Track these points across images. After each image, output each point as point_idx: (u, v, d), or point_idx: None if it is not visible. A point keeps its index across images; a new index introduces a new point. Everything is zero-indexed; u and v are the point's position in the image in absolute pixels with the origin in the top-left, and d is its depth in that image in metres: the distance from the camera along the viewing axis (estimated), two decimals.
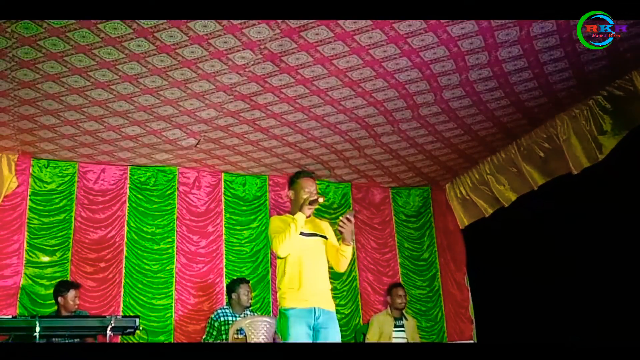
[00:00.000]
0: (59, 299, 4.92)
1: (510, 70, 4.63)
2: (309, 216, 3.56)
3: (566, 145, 5.34)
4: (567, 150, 5.32)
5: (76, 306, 4.92)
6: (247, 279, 5.72)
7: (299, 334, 3.26)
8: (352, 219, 3.40)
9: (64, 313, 4.91)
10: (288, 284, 3.40)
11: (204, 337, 5.37)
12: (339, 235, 3.49)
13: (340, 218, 3.40)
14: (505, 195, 6.18)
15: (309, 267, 3.41)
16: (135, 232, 6.04)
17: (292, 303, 3.35)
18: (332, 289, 3.61)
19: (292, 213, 3.52)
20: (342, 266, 3.54)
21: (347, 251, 3.48)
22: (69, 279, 5.59)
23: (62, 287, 4.98)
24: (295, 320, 3.30)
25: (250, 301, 5.38)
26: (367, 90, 4.83)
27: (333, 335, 3.35)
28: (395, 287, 5.73)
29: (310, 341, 3.28)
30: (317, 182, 3.67)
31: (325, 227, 3.66)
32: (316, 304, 3.35)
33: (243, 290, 5.38)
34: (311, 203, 3.43)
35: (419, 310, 6.75)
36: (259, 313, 6.02)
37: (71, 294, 4.90)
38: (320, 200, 3.46)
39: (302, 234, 3.42)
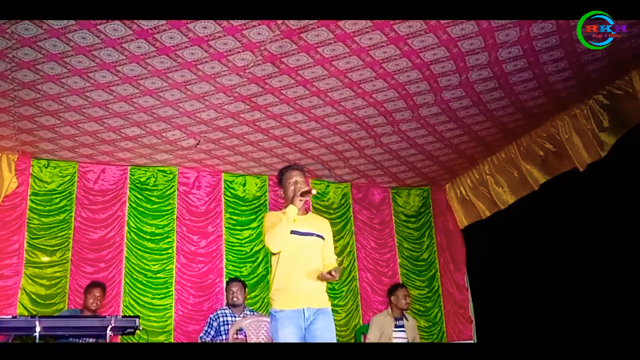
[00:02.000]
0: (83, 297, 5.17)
1: (511, 71, 4.63)
2: (305, 212, 3.48)
3: (569, 144, 5.34)
4: (571, 149, 5.33)
5: (94, 306, 5.05)
6: (240, 278, 5.74)
7: (287, 337, 3.17)
8: (337, 274, 3.22)
9: (84, 312, 5.04)
10: (277, 284, 3.30)
11: (200, 335, 5.37)
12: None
13: (324, 273, 3.23)
14: (503, 198, 6.19)
15: (301, 267, 3.28)
16: (135, 232, 6.04)
17: (280, 305, 3.26)
18: (328, 287, 3.44)
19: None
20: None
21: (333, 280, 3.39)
22: (68, 279, 5.63)
23: (86, 287, 5.22)
24: (284, 322, 3.20)
25: (234, 299, 5.37)
26: (367, 91, 4.83)
27: (321, 327, 3.23)
28: (401, 288, 5.72)
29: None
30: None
31: (326, 227, 3.53)
32: (306, 305, 3.24)
33: (227, 289, 5.48)
34: (302, 194, 3.30)
35: (418, 311, 6.75)
36: (260, 313, 6.02)
37: (91, 293, 5.08)
38: (313, 192, 3.33)
39: (296, 232, 3.30)
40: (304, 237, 3.34)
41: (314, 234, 3.39)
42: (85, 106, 4.85)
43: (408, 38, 4.11)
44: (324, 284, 3.39)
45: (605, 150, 5.07)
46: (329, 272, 3.20)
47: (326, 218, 3.75)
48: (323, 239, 3.44)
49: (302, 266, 3.29)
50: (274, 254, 3.35)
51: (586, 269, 5.10)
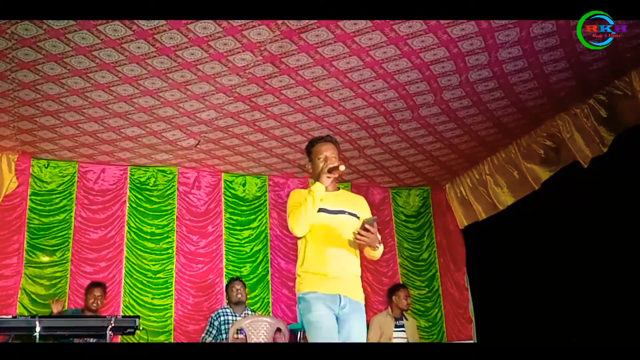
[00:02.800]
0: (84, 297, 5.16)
1: (511, 71, 4.63)
2: (337, 188, 3.06)
3: (571, 142, 5.34)
4: (572, 147, 5.32)
5: (94, 306, 5.05)
6: (241, 277, 5.77)
7: (323, 313, 2.75)
8: (373, 228, 2.79)
9: (86, 312, 5.04)
10: (309, 267, 2.85)
11: (203, 334, 5.38)
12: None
13: (357, 230, 2.80)
14: (502, 199, 6.18)
15: (335, 248, 2.85)
16: (135, 232, 6.04)
17: (312, 287, 2.81)
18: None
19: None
20: (372, 258, 2.99)
21: (376, 254, 2.94)
22: (68, 279, 5.63)
23: (86, 287, 5.22)
24: (317, 302, 2.76)
25: (239, 296, 5.42)
26: (367, 91, 4.83)
27: (358, 329, 2.84)
28: (402, 288, 5.72)
29: (336, 325, 2.78)
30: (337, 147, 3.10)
31: (359, 203, 3.07)
32: (342, 292, 2.81)
33: (230, 288, 5.50)
34: (330, 171, 2.86)
35: (418, 311, 6.75)
36: (259, 313, 6.03)
37: (91, 293, 5.08)
38: (341, 168, 2.87)
39: (326, 210, 2.88)
40: (333, 215, 2.91)
41: (345, 211, 2.94)
42: (85, 106, 4.85)
43: (408, 38, 4.10)
44: (359, 273, 2.97)
45: (606, 147, 5.06)
46: (363, 228, 2.76)
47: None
48: (357, 217, 2.96)
49: (335, 247, 2.86)
50: (299, 238, 2.94)
51: (586, 268, 5.10)
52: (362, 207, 3.05)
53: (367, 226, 2.78)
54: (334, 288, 2.81)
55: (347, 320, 2.82)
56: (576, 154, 5.29)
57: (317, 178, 2.91)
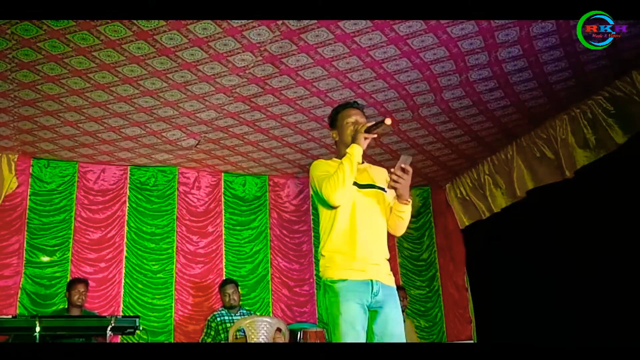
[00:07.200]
0: (66, 294, 5.04)
1: (510, 71, 4.63)
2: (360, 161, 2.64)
3: (564, 147, 5.33)
4: (568, 152, 5.31)
5: (80, 301, 4.96)
6: (233, 279, 5.72)
7: (354, 314, 2.44)
8: (410, 168, 2.51)
9: (71, 309, 4.97)
10: (337, 247, 2.54)
11: (201, 337, 5.37)
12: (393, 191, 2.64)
13: (392, 170, 2.52)
14: (498, 202, 6.19)
15: (366, 226, 2.56)
16: (135, 232, 6.05)
17: (342, 273, 2.50)
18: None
19: (340, 157, 2.65)
20: (399, 229, 2.71)
21: (406, 211, 2.65)
22: (68, 279, 5.61)
23: (69, 283, 5.13)
24: (348, 295, 2.45)
25: (232, 301, 5.34)
26: (367, 91, 4.83)
27: (395, 318, 2.53)
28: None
29: (366, 324, 2.49)
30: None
31: (383, 177, 2.75)
32: (374, 276, 2.52)
33: (222, 292, 5.43)
34: (369, 130, 2.53)
35: (418, 311, 6.75)
36: (259, 313, 6.03)
37: (75, 289, 4.97)
38: (387, 121, 2.49)
39: (355, 184, 2.59)
40: (365, 189, 2.63)
41: (374, 185, 2.67)
42: (85, 106, 4.84)
43: (408, 38, 4.10)
44: (389, 255, 2.67)
45: (604, 151, 5.04)
46: (399, 168, 2.49)
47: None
48: (385, 192, 2.70)
49: (367, 225, 2.57)
50: (332, 208, 2.58)
51: (586, 268, 5.10)
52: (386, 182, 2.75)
53: (404, 165, 2.47)
54: (365, 273, 2.51)
55: (381, 309, 2.51)
56: (566, 160, 5.28)
57: (352, 139, 2.58)
